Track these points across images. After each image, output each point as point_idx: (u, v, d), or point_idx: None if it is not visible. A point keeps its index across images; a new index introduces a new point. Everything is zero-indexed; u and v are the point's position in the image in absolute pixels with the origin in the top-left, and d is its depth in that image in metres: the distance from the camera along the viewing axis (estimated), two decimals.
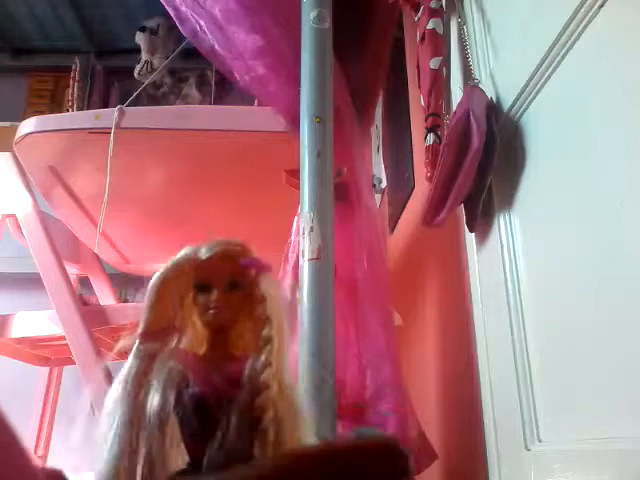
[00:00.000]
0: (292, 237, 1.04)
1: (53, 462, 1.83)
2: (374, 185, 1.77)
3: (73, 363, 1.46)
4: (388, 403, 0.87)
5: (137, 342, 0.48)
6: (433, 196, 0.89)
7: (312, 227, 0.82)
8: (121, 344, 0.49)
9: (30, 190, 1.66)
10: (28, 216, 1.62)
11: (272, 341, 0.48)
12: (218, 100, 3.12)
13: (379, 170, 1.96)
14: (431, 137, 0.98)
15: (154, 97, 3.15)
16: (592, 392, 0.64)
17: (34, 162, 1.51)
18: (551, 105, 0.77)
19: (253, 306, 0.50)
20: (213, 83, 3.20)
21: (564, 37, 0.71)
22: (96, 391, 0.56)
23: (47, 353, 1.94)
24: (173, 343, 0.49)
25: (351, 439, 0.51)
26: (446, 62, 1.03)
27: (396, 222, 1.73)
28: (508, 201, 0.86)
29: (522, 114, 0.84)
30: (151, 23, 3.05)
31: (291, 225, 1.06)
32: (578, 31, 0.69)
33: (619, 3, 0.63)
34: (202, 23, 1.09)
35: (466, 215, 0.92)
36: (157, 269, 0.49)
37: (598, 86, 0.66)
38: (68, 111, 3.06)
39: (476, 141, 0.83)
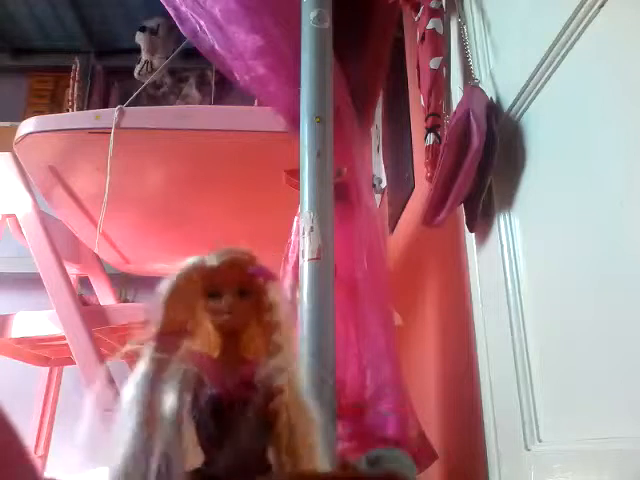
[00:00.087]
0: (292, 237, 1.04)
1: (53, 462, 1.83)
2: (374, 185, 1.77)
3: (73, 363, 1.45)
4: (388, 403, 0.87)
5: (151, 344, 0.49)
6: (433, 196, 0.89)
7: (312, 227, 0.82)
8: (130, 346, 0.50)
9: (30, 190, 1.65)
10: (28, 216, 1.61)
11: (283, 347, 0.49)
12: (218, 100, 3.11)
13: (379, 170, 1.96)
14: (431, 137, 0.98)
15: (154, 97, 3.15)
16: (592, 392, 0.64)
17: (34, 162, 1.51)
18: (551, 105, 0.77)
19: (262, 313, 0.51)
20: (213, 83, 3.20)
21: (564, 37, 0.71)
22: (96, 391, 0.56)
23: (47, 353, 1.93)
24: (186, 346, 0.50)
25: (362, 472, 0.52)
26: (446, 62, 1.03)
27: (396, 222, 1.73)
28: (508, 201, 0.86)
29: (522, 114, 0.84)
30: (151, 23, 3.04)
31: (291, 225, 1.06)
32: (578, 31, 0.69)
33: (619, 3, 0.63)
34: (202, 23, 1.09)
35: (466, 215, 0.93)
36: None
37: (598, 86, 0.66)
38: (68, 111, 3.05)
39: (476, 141, 0.83)
